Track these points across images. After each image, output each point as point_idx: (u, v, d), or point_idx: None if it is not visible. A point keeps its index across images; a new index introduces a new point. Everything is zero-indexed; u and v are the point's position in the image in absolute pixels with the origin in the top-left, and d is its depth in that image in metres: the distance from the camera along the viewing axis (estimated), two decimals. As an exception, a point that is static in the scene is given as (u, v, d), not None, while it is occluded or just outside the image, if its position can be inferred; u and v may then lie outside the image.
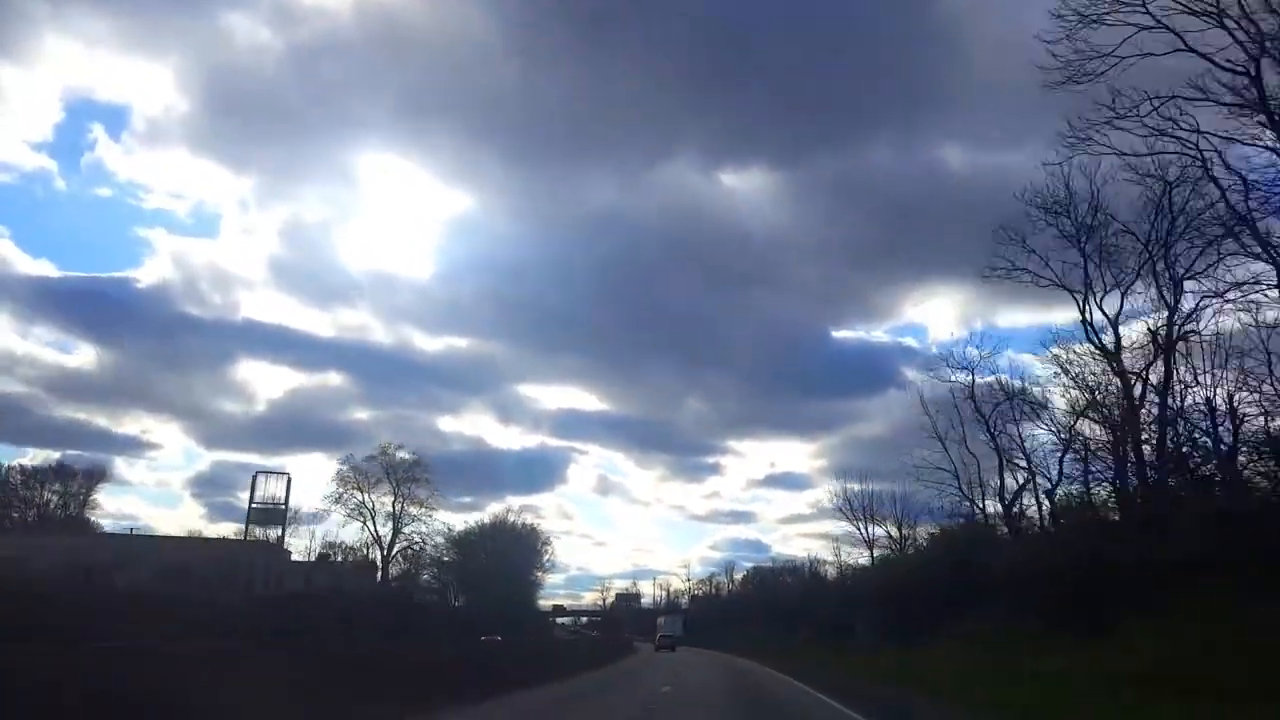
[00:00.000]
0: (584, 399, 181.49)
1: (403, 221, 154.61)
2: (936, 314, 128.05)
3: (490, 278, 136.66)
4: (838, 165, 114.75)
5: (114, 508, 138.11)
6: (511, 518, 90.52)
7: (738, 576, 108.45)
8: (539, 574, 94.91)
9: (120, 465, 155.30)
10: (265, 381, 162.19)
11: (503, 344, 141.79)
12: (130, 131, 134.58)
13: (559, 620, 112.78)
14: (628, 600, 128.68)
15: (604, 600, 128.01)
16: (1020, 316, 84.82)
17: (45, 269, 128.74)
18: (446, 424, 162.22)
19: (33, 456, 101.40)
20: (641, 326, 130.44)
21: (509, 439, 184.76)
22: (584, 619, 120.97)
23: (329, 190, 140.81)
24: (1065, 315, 39.77)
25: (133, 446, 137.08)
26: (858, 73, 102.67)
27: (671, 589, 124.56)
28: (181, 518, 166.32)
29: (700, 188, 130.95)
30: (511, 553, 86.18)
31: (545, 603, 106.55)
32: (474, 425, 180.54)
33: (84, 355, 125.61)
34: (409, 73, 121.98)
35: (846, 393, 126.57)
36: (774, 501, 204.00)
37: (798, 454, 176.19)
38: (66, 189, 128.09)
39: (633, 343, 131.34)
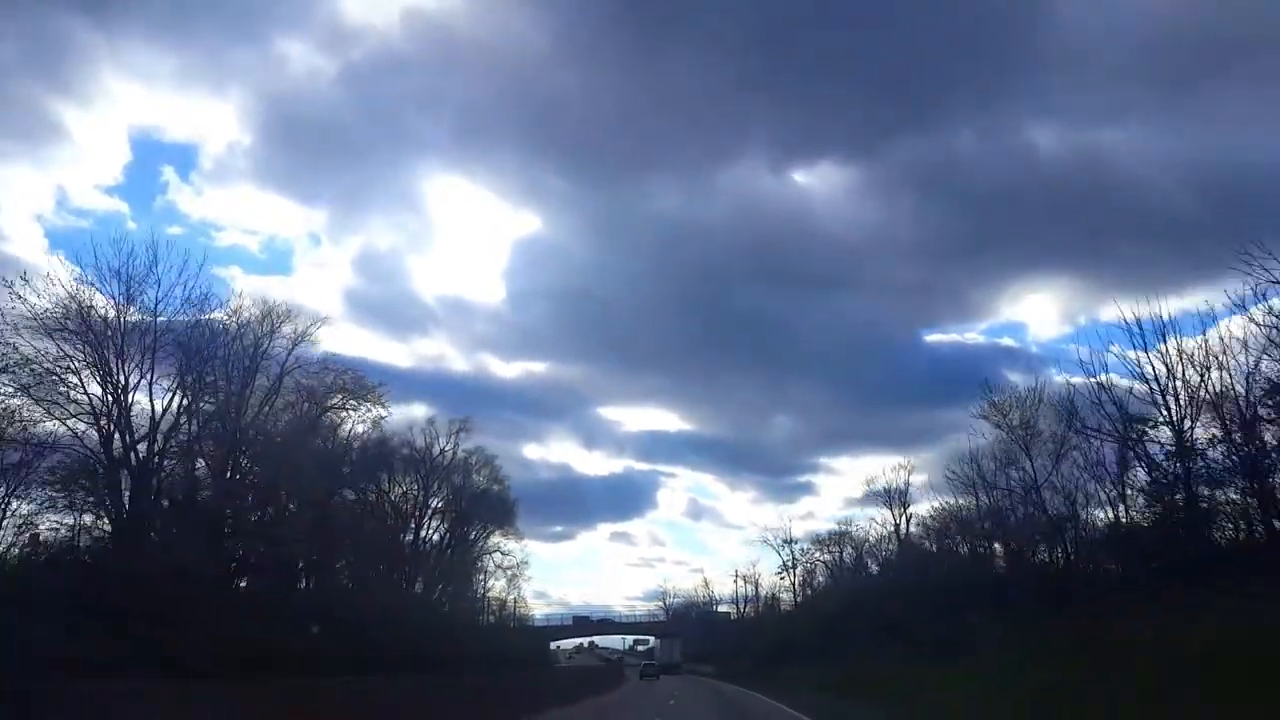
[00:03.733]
0: (667, 419, 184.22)
1: (470, 244, 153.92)
2: (1036, 310, 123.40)
3: (561, 297, 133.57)
4: (917, 154, 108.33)
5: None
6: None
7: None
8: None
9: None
10: (350, 418, 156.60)
11: (579, 366, 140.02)
12: (199, 171, 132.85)
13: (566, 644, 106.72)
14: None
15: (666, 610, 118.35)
16: (1129, 311, 74.33)
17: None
18: (531, 451, 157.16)
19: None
20: (720, 339, 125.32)
21: (594, 464, 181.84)
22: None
23: (396, 217, 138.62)
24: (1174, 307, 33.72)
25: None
26: (932, 49, 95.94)
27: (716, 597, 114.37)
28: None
29: (771, 188, 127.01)
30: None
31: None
32: (558, 452, 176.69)
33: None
34: (465, 87, 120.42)
35: (943, 400, 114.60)
36: (871, 520, 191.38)
37: (894, 468, 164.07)
38: (138, 231, 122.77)
39: (712, 357, 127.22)
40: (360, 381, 48.67)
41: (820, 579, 74.81)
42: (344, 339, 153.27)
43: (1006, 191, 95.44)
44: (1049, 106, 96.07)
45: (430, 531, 69.95)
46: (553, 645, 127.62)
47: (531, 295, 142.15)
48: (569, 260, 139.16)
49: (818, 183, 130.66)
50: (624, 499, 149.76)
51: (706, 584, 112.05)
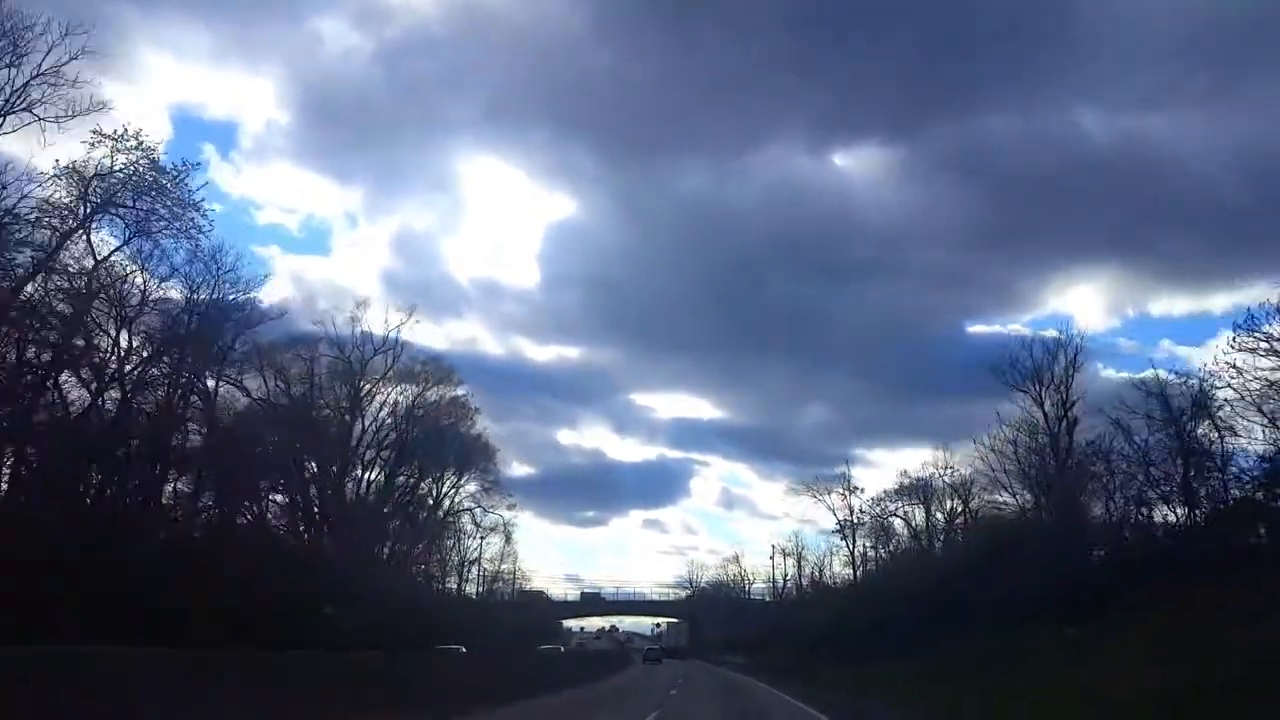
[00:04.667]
0: (700, 406, 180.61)
1: (504, 226, 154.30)
2: (1082, 301, 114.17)
3: (594, 281, 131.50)
4: (958, 136, 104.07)
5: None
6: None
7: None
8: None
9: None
10: (384, 398, 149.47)
11: (611, 350, 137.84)
12: (238, 149, 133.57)
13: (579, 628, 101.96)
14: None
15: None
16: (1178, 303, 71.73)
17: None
18: (565, 437, 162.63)
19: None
20: (754, 326, 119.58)
21: (627, 451, 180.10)
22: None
23: (431, 197, 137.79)
24: (1225, 301, 29.22)
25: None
26: (975, 28, 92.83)
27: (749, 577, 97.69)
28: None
29: (809, 170, 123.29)
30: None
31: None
32: (591, 437, 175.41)
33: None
34: (499, 67, 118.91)
35: (985, 392, 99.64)
36: (908, 514, 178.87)
37: (933, 462, 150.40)
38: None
39: (745, 344, 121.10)
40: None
41: (891, 546, 56.33)
42: (379, 320, 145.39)
43: (1051, 177, 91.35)
44: (1093, 89, 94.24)
45: (377, 473, 54.17)
46: (574, 626, 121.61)
47: (565, 279, 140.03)
48: (602, 244, 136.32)
49: (856, 165, 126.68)
50: (657, 486, 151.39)
51: (738, 561, 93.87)
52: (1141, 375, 30.35)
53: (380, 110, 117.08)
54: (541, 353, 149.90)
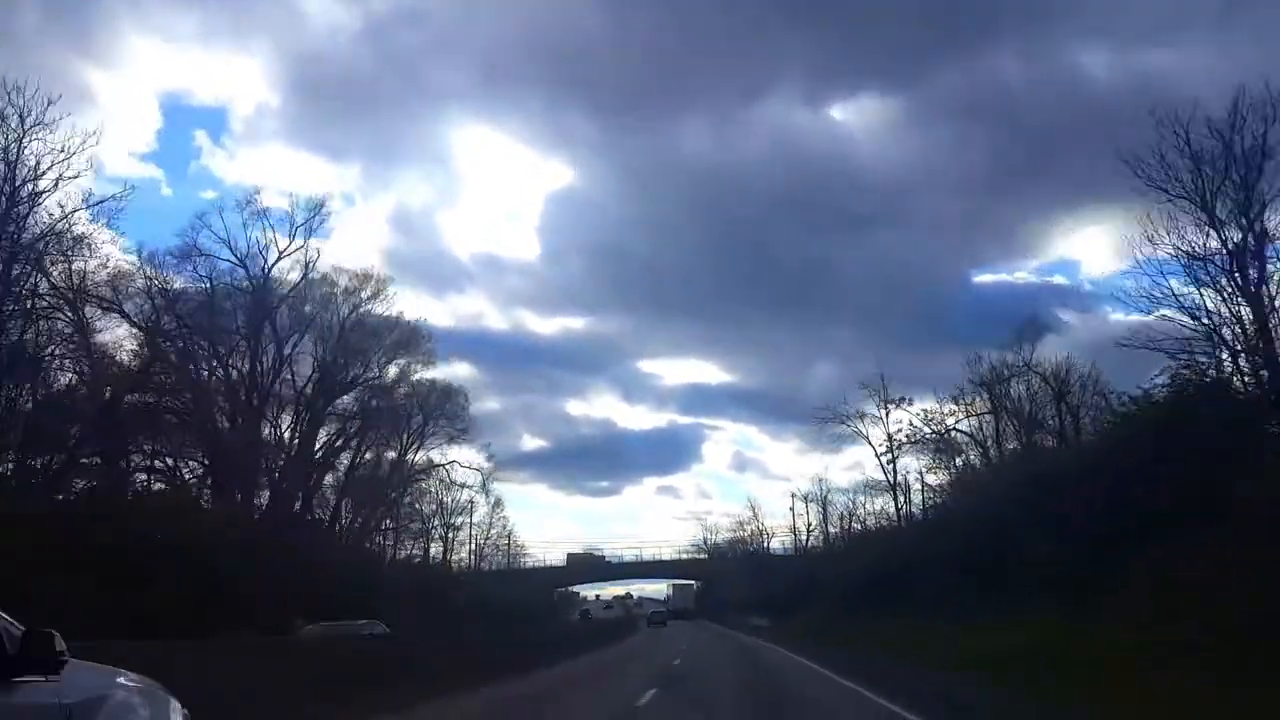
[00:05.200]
0: (707, 371, 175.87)
1: (502, 198, 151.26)
2: (1089, 246, 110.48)
3: (595, 250, 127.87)
4: (959, 82, 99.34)
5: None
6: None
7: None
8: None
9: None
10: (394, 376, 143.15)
11: (616, 319, 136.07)
12: (230, 133, 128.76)
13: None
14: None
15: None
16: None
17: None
18: (574, 408, 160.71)
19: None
20: (758, 286, 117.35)
21: (637, 419, 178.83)
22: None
23: (426, 169, 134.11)
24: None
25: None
26: None
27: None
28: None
29: (807, 124, 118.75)
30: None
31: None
32: (600, 407, 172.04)
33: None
34: (487, 31, 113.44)
35: (993, 342, 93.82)
36: (921, 469, 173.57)
37: (944, 415, 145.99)
38: (174, 196, 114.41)
39: (752, 304, 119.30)
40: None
41: (957, 464, 43.78)
42: (385, 300, 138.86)
43: (1054, 120, 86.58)
44: (1097, 26, 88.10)
45: (301, 420, 43.97)
46: (591, 595, 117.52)
47: (566, 249, 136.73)
48: (602, 212, 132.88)
49: (855, 116, 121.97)
50: (668, 453, 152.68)
51: (755, 514, 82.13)
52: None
53: (370, 84, 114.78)
54: (546, 325, 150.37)
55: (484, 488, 59.62)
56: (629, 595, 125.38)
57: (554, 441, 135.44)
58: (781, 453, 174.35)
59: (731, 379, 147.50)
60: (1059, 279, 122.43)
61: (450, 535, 62.48)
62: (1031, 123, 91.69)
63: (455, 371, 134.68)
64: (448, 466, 54.72)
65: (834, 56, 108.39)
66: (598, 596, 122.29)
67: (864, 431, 50.24)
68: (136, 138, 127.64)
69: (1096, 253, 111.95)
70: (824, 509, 68.46)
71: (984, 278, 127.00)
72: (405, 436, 50.73)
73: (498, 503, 66.28)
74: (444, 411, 52.21)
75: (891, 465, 48.77)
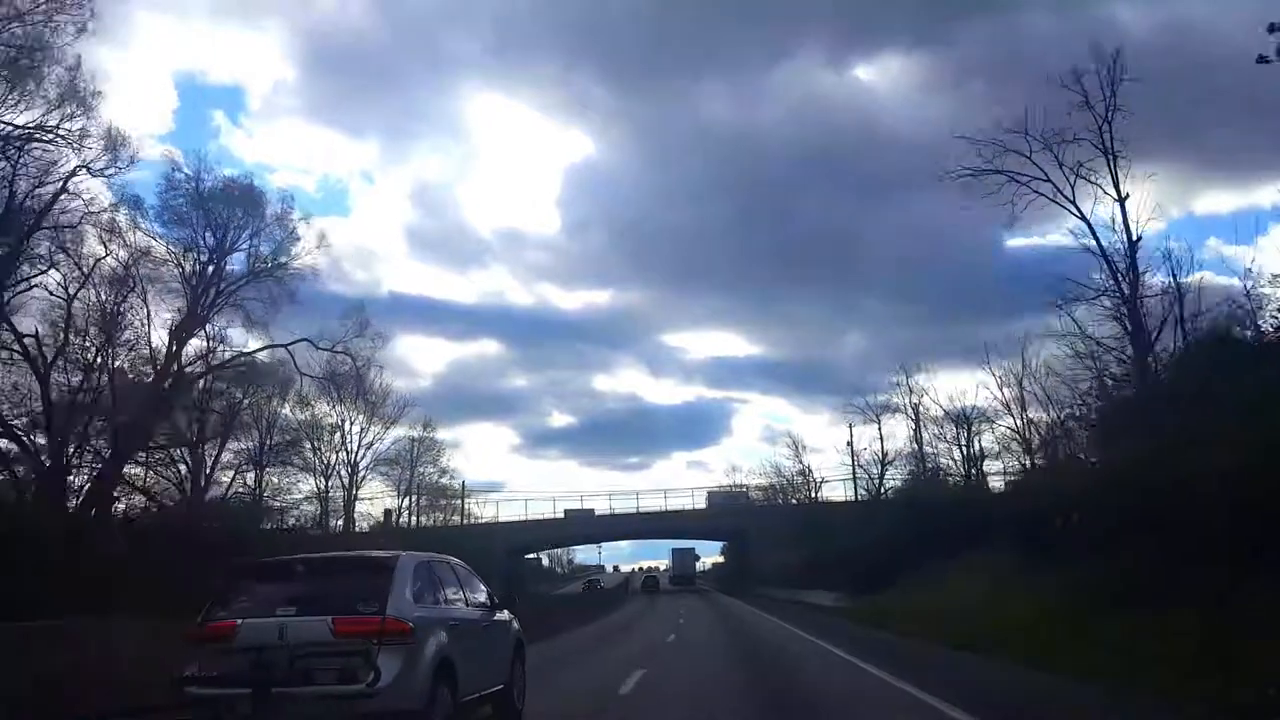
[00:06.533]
0: (734, 343, 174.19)
1: (521, 171, 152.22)
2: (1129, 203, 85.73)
3: (616, 222, 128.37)
4: (986, 37, 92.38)
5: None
6: None
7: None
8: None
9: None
10: (422, 355, 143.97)
11: (640, 292, 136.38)
12: (247, 112, 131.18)
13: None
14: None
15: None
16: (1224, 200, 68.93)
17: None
18: (601, 383, 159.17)
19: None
20: (783, 254, 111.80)
21: (664, 393, 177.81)
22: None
23: (443, 142, 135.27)
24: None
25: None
26: None
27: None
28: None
29: (830, 85, 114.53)
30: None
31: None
32: (627, 382, 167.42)
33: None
34: None
35: (1028, 308, 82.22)
36: (957, 441, 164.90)
37: (978, 385, 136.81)
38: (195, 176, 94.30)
39: (776, 273, 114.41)
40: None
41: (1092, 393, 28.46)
42: (408, 278, 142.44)
43: (1086, 75, 60.69)
44: None
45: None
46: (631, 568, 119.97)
47: (587, 221, 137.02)
48: (622, 182, 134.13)
49: (881, 77, 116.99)
50: (697, 427, 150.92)
51: (798, 453, 67.40)
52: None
53: (384, 56, 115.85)
54: (569, 299, 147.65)
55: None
56: (655, 568, 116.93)
57: (583, 417, 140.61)
58: (812, 424, 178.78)
59: (759, 351, 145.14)
60: (1092, 241, 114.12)
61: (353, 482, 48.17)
62: (1062, 80, 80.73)
63: (484, 349, 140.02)
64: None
65: (857, 14, 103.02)
66: (633, 569, 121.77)
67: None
68: (156, 120, 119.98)
69: (1130, 213, 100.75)
70: (882, 459, 55.14)
71: (1017, 241, 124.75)
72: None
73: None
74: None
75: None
